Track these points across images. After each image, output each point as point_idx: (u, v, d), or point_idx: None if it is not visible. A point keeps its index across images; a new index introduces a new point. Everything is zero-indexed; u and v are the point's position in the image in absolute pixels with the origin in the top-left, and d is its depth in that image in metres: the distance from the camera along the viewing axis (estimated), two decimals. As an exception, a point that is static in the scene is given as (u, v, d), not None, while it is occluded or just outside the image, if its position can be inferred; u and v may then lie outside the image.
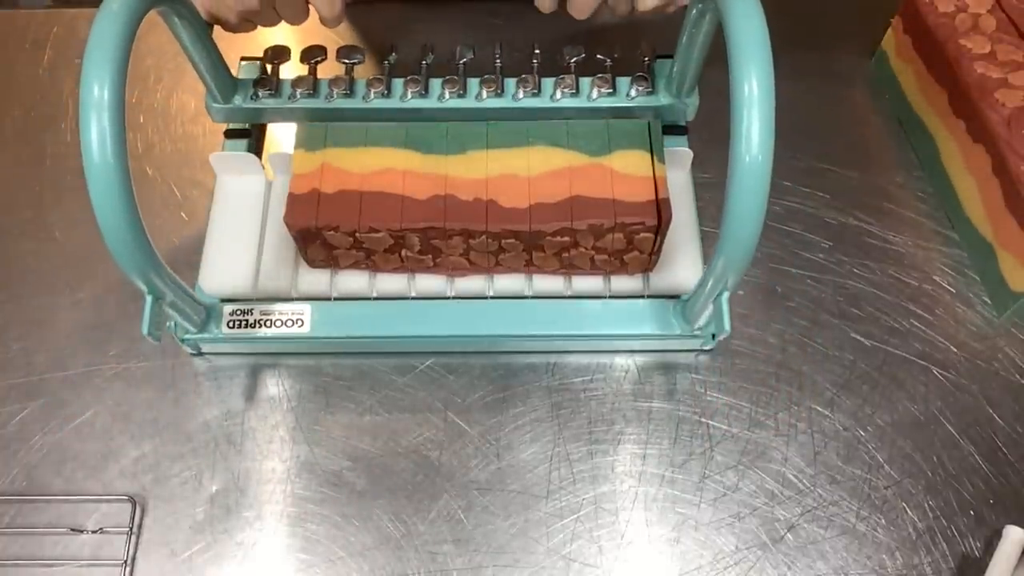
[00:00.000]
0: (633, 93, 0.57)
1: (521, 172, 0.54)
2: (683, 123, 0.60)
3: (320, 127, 0.55)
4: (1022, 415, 0.54)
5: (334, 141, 0.55)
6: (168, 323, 0.53)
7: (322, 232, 0.53)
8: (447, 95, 0.57)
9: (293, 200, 0.53)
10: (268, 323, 0.54)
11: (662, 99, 0.58)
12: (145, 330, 0.45)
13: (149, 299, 0.46)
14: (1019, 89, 0.56)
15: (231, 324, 0.54)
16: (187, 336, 0.53)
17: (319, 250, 0.55)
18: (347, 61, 0.58)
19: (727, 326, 0.47)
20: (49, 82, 0.68)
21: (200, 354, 0.56)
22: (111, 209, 0.41)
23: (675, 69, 0.56)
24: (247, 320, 0.54)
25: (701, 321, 0.52)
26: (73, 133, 0.65)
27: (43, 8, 0.79)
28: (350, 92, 0.57)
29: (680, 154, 0.59)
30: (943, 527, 0.51)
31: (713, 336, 0.54)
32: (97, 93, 0.39)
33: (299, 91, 0.57)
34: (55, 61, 0.69)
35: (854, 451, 0.53)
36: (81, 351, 0.56)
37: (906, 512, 0.52)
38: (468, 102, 0.57)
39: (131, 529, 0.50)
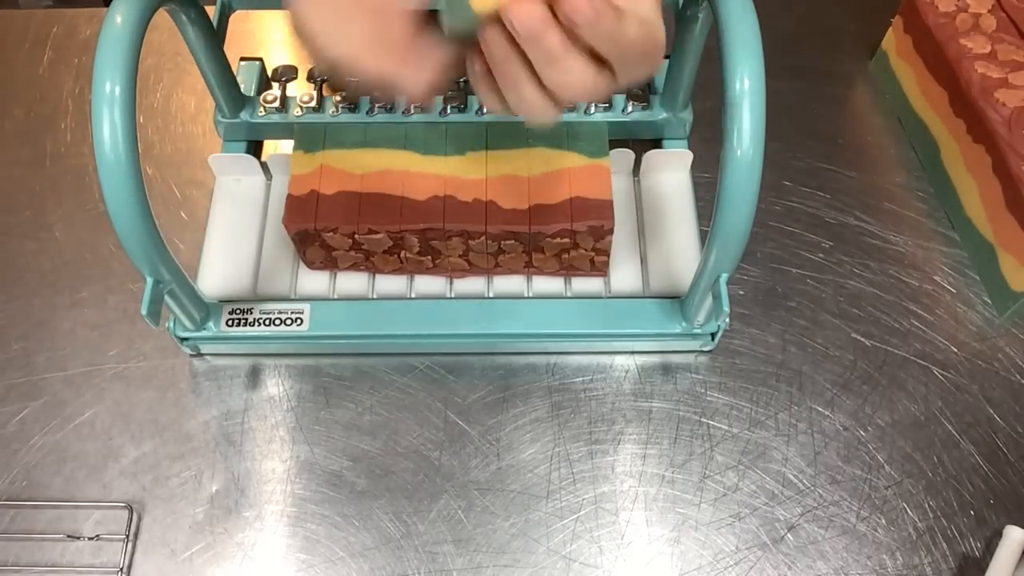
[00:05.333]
0: (629, 108, 0.58)
1: (521, 173, 0.54)
2: (681, 137, 0.61)
3: (319, 128, 0.55)
4: (1022, 415, 0.54)
5: (332, 142, 0.55)
6: (167, 323, 0.53)
7: (321, 234, 0.53)
8: (448, 110, 0.58)
9: (291, 202, 0.53)
10: (267, 321, 0.54)
11: (658, 114, 0.58)
12: (144, 311, 0.45)
13: (150, 281, 0.46)
14: (1019, 89, 0.56)
15: (230, 322, 0.53)
16: (186, 335, 0.53)
17: (318, 252, 0.55)
18: (353, 79, 0.59)
19: (725, 306, 0.46)
20: (49, 82, 0.68)
21: (199, 355, 0.56)
22: (123, 202, 0.41)
23: (668, 80, 0.57)
24: (246, 319, 0.54)
25: (701, 318, 0.52)
26: (73, 133, 0.65)
27: (43, 8, 0.78)
28: (354, 108, 0.58)
29: (680, 154, 0.59)
30: (943, 527, 0.51)
31: (712, 336, 0.54)
32: (109, 89, 0.39)
33: (304, 106, 0.59)
34: (55, 61, 0.69)
35: (854, 451, 0.53)
36: (81, 351, 0.56)
37: (906, 512, 0.52)
38: (468, 116, 0.58)
39: (127, 536, 0.50)
